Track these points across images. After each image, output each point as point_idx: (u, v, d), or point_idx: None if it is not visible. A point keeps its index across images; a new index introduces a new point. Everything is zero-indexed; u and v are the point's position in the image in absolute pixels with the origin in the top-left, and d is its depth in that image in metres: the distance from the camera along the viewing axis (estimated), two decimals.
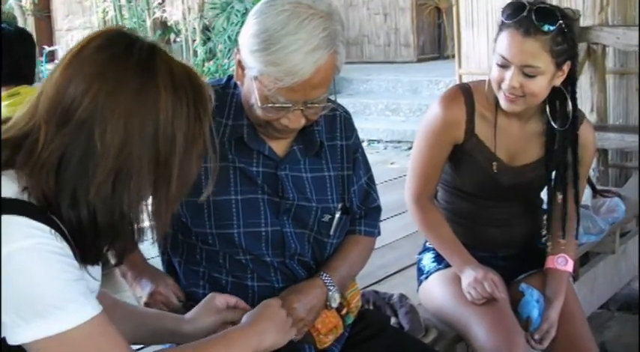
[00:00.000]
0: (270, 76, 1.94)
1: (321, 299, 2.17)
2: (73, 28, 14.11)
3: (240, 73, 2.07)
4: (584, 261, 4.07)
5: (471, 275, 2.71)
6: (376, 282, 3.64)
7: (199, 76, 1.60)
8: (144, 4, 12.19)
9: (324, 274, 2.21)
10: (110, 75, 1.46)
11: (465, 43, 6.74)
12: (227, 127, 2.15)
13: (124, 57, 1.49)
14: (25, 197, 1.43)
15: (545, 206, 2.93)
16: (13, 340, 1.43)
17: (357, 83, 11.67)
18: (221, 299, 2.04)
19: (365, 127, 9.27)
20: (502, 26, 2.57)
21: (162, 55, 1.54)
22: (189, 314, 2.04)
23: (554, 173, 2.78)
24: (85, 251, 1.51)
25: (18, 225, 1.39)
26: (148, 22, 12.23)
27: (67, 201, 1.45)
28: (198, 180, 2.10)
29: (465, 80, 5.61)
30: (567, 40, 2.54)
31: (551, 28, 2.49)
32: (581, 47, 5.52)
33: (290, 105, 1.99)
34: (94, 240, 1.50)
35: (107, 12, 12.47)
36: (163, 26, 12.69)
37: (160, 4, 12.33)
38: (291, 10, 1.93)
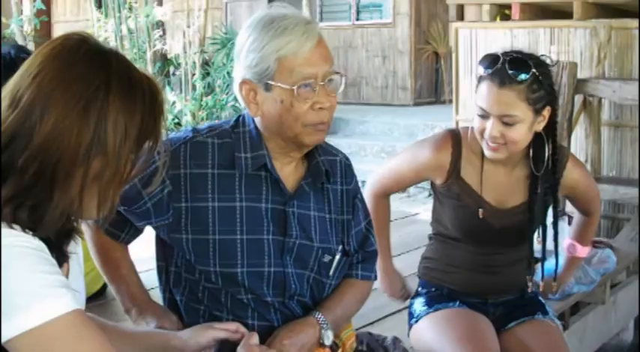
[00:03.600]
0: (288, 57, 2.07)
1: (313, 337, 2.20)
2: None
3: (254, 99, 2.14)
4: (574, 310, 4.09)
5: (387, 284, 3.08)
6: (369, 324, 3.66)
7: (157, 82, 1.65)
8: (145, 36, 12.24)
9: (318, 313, 2.24)
10: (57, 61, 1.52)
11: (463, 90, 6.79)
12: (248, 160, 2.18)
13: (75, 48, 1.55)
14: None
15: (537, 254, 2.99)
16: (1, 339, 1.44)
17: (353, 124, 11.70)
18: (220, 325, 2.10)
19: (360, 168, 9.16)
20: (480, 78, 2.66)
21: (118, 55, 1.59)
22: (181, 332, 2.08)
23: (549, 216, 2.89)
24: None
25: None
26: (149, 54, 12.27)
27: (5, 173, 1.48)
28: (205, 217, 2.15)
29: (461, 126, 5.68)
30: (544, 87, 2.62)
31: (525, 77, 2.56)
32: (578, 99, 5.60)
33: (312, 81, 2.09)
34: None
35: (108, 42, 12.50)
36: (163, 58, 12.76)
37: (161, 36, 12.38)
38: (269, 15, 2.13)
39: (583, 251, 3.11)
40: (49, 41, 1.58)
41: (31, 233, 1.48)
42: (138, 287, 2.35)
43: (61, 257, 1.60)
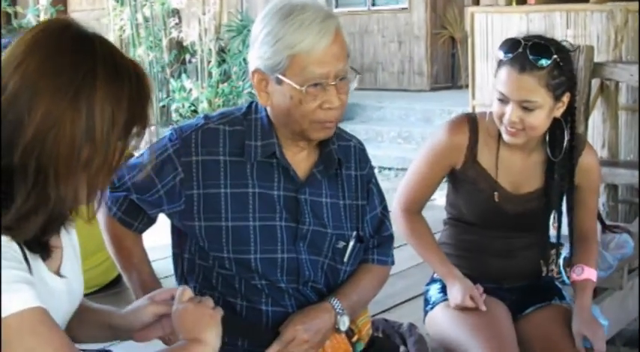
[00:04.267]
0: (300, 55, 2.06)
1: (328, 322, 2.21)
2: None
3: (264, 88, 2.14)
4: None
5: (458, 288, 2.81)
6: (385, 310, 3.67)
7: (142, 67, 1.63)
8: (161, 24, 12.24)
9: (334, 299, 2.24)
10: (43, 48, 1.50)
11: (479, 75, 6.77)
12: (257, 148, 2.19)
13: (59, 34, 1.53)
14: None
15: (552, 232, 2.98)
16: None
17: (370, 110, 11.68)
18: (159, 298, 1.97)
19: (377, 154, 9.25)
20: (500, 63, 2.64)
21: (102, 39, 1.57)
22: (125, 311, 2.00)
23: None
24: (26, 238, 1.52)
25: None
26: (164, 42, 12.29)
27: None
28: (217, 204, 2.15)
29: (477, 111, 5.66)
30: (564, 73, 2.60)
31: (546, 62, 2.54)
32: (595, 83, 5.56)
33: (323, 81, 2.08)
34: (18, 219, 1.49)
35: (124, 30, 12.52)
36: (179, 46, 12.75)
37: (176, 24, 12.38)
38: (289, 5, 2.09)
39: (591, 273, 2.90)
40: (32, 28, 1.56)
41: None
42: (149, 275, 2.35)
43: (46, 249, 1.60)
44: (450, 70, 13.57)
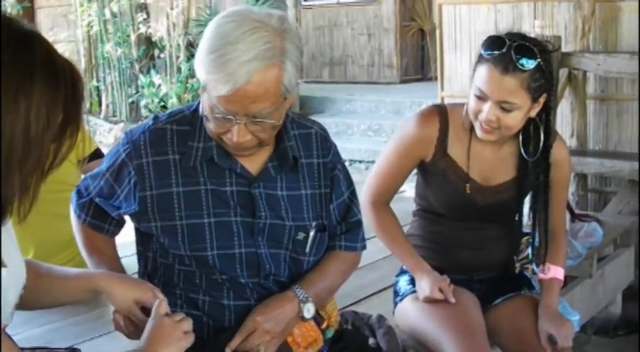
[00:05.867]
0: (210, 84, 1.97)
1: (291, 311, 2.19)
2: (57, 41, 14.06)
3: (200, 89, 2.09)
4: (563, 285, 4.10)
5: (427, 280, 2.80)
6: (355, 303, 3.65)
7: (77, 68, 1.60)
8: (128, 20, 12.18)
9: (297, 287, 2.22)
10: None
11: (448, 66, 6.79)
12: (198, 150, 2.16)
13: (1, 33, 1.48)
14: None
15: (526, 229, 2.97)
16: None
17: (340, 103, 11.68)
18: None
19: (347, 147, 9.28)
20: (481, 59, 2.60)
21: (40, 37, 1.54)
22: (114, 282, 2.05)
23: (528, 196, 2.84)
24: None
25: None
26: (133, 37, 12.22)
27: None
28: (170, 204, 2.14)
29: (447, 102, 5.67)
30: (545, 75, 2.58)
31: (530, 66, 2.52)
32: (563, 73, 5.60)
33: (231, 117, 2.00)
34: None
35: (92, 26, 12.45)
36: (148, 42, 12.68)
37: (145, 19, 12.32)
38: (238, 22, 1.96)
39: (558, 271, 2.91)
40: None
41: None
42: (119, 271, 2.30)
43: None
44: (419, 62, 13.60)
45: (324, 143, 2.35)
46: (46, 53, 1.51)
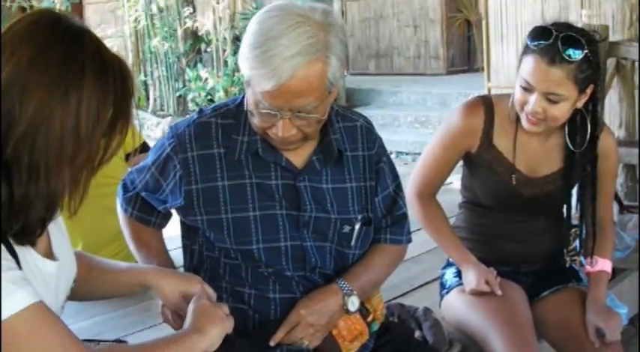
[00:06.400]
0: (254, 80, 1.98)
1: (334, 304, 2.19)
2: (105, 36, 14.22)
3: (244, 83, 2.10)
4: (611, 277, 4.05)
5: (473, 273, 2.79)
6: (401, 295, 3.65)
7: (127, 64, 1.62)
8: (175, 14, 12.24)
9: (341, 280, 2.22)
10: (34, 42, 1.49)
11: (494, 57, 6.73)
12: (243, 144, 2.17)
13: (51, 27, 1.52)
14: None
15: (574, 222, 2.94)
16: None
17: (386, 95, 11.64)
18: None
19: (393, 139, 9.27)
20: (527, 50, 2.58)
21: (91, 34, 1.56)
22: (166, 277, 2.08)
23: (575, 188, 2.81)
24: (12, 228, 1.52)
25: None
26: (179, 32, 12.29)
27: None
28: (216, 197, 2.15)
29: (493, 93, 5.64)
30: (592, 66, 2.55)
31: (577, 56, 2.49)
32: (610, 62, 5.51)
33: (276, 112, 2.01)
34: (10, 213, 1.49)
35: (139, 21, 12.54)
36: (194, 36, 12.74)
37: (191, 14, 12.38)
38: (281, 16, 1.96)
39: (605, 264, 2.88)
40: (21, 17, 1.56)
41: None
42: (167, 266, 2.34)
43: (34, 237, 1.60)
44: (466, 53, 13.48)
45: (370, 136, 2.34)
46: (95, 49, 1.55)
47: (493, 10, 6.65)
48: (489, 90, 6.68)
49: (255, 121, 2.09)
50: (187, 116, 2.32)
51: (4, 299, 1.45)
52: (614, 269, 3.88)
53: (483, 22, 6.86)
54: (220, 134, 2.20)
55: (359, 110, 11.17)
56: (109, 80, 1.54)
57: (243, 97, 2.20)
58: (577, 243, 2.99)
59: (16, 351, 1.48)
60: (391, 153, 9.29)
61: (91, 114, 1.50)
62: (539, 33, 2.55)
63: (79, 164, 1.54)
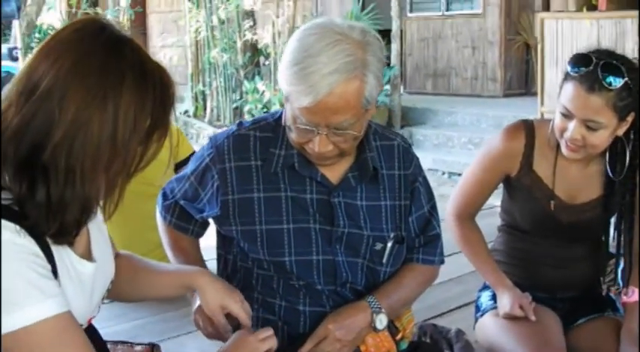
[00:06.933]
0: (292, 96, 2.01)
1: (363, 321, 2.20)
2: (166, 45, 14.43)
3: (283, 99, 2.13)
4: None
5: (508, 297, 2.78)
6: (437, 315, 3.66)
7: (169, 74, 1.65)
8: (235, 27, 12.37)
9: (371, 297, 2.24)
10: (77, 49, 1.53)
11: (548, 81, 6.73)
12: (280, 157, 2.21)
13: (93, 36, 1.56)
14: None
15: (612, 250, 2.92)
16: None
17: (442, 115, 11.63)
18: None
19: (447, 160, 9.29)
20: (567, 76, 2.58)
21: (132, 43, 1.60)
22: (210, 286, 2.11)
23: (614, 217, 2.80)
24: (50, 229, 1.55)
25: None
26: (239, 44, 12.41)
27: (23, 165, 1.50)
28: (251, 209, 2.19)
29: (546, 117, 5.61)
30: (632, 94, 2.53)
31: (617, 84, 2.48)
32: None
33: (313, 128, 2.04)
34: (47, 214, 1.53)
35: (200, 32, 12.70)
36: (253, 49, 12.87)
37: (251, 27, 12.50)
38: (320, 34, 1.99)
39: (636, 294, 2.80)
40: (67, 24, 1.61)
41: (22, 231, 1.51)
42: None
43: (71, 238, 1.64)
44: (523, 77, 13.41)
45: (407, 155, 2.37)
46: (137, 59, 1.58)
47: (549, 34, 6.64)
48: (542, 114, 6.67)
49: (293, 136, 2.13)
50: (226, 128, 2.37)
51: (32, 306, 1.49)
52: None
53: (539, 46, 6.87)
54: (258, 147, 2.24)
55: (414, 129, 11.25)
56: (148, 89, 1.57)
57: (282, 112, 2.24)
58: (617, 272, 2.97)
59: None
60: (443, 173, 9.29)
61: (129, 122, 1.54)
62: (580, 59, 2.55)
63: (115, 170, 1.57)
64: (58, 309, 1.53)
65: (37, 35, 15.40)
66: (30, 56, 1.58)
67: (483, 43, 13.21)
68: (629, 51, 4.99)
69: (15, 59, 14.22)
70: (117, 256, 2.08)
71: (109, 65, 1.54)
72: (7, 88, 1.57)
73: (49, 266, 1.56)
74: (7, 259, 1.47)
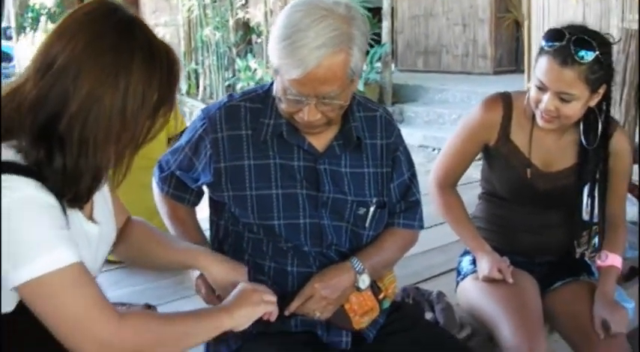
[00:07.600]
0: (282, 69, 2.12)
1: (347, 281, 2.33)
2: (158, 24, 14.42)
3: (273, 72, 2.24)
4: (630, 276, 4.09)
5: (487, 261, 2.91)
6: (422, 281, 3.73)
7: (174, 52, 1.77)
8: (227, 5, 12.41)
9: (354, 258, 2.36)
10: (90, 30, 1.65)
11: (535, 57, 6.76)
12: (269, 126, 2.33)
13: (106, 17, 1.68)
14: (13, 156, 1.61)
15: (585, 217, 3.04)
16: (5, 287, 1.60)
17: (432, 92, 11.70)
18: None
19: (437, 136, 9.38)
20: (541, 51, 2.69)
21: (141, 24, 1.72)
22: (215, 264, 2.25)
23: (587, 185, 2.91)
24: (65, 194, 1.67)
25: (5, 182, 1.57)
26: (231, 22, 12.46)
27: (41, 133, 1.62)
28: (242, 175, 2.31)
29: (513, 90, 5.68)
30: (603, 67, 2.65)
31: (588, 58, 2.59)
32: None
33: (302, 98, 2.16)
34: (64, 181, 1.65)
35: (192, 11, 12.73)
36: (245, 27, 12.91)
37: (243, 5, 12.54)
38: (307, 11, 2.10)
39: (615, 259, 2.96)
40: (81, 5, 1.72)
41: (41, 185, 1.62)
42: (203, 243, 2.49)
43: (80, 203, 1.76)
44: (513, 54, 13.44)
45: (388, 126, 2.50)
46: (145, 38, 1.71)
47: (535, 10, 6.68)
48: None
49: (283, 107, 2.25)
50: (217, 100, 2.47)
51: (48, 253, 1.60)
52: (632, 268, 3.97)
53: (525, 23, 6.90)
54: (249, 117, 2.36)
55: (405, 106, 11.29)
56: (155, 67, 1.69)
57: (271, 85, 2.36)
58: (596, 240, 3.08)
59: (52, 305, 1.62)
60: (434, 149, 9.35)
61: (137, 97, 1.66)
62: (553, 35, 2.66)
63: (124, 142, 1.70)
64: (74, 258, 1.64)
65: (29, 14, 15.41)
66: (45, 36, 1.71)
67: (474, 21, 13.25)
68: (614, 27, 5.06)
69: (9, 38, 14.26)
70: (129, 221, 2.22)
71: (120, 45, 1.66)
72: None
73: (66, 221, 1.68)
74: (31, 210, 1.59)
